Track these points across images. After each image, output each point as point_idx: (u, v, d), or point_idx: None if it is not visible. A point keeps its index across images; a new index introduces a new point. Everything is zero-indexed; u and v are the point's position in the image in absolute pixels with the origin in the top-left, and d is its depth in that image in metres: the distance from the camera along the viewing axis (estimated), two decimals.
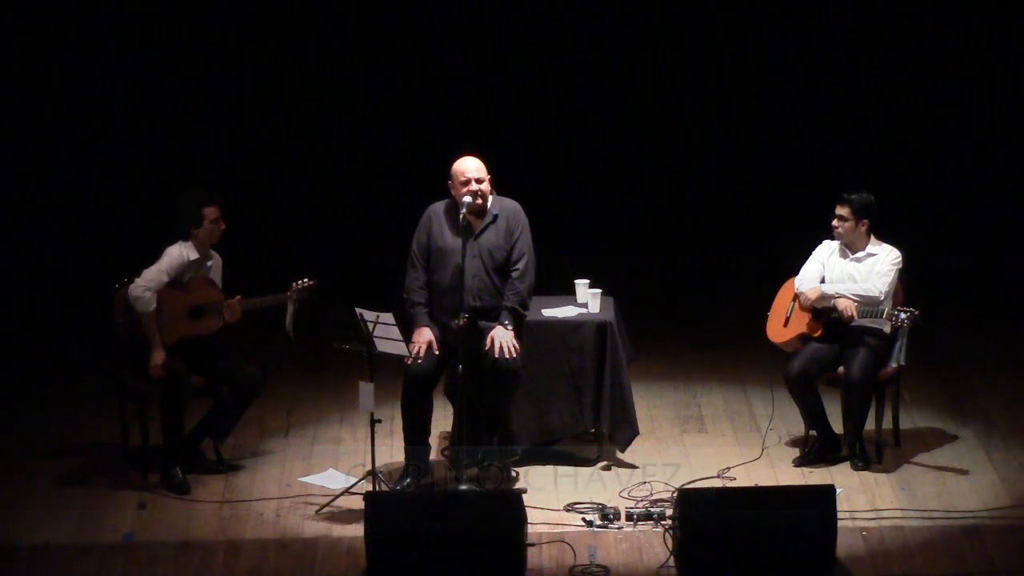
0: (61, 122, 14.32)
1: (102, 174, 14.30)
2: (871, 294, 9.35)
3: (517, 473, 9.38)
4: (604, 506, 8.87)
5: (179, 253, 9.22)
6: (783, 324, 9.60)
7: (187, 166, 14.22)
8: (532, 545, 8.29)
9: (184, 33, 14.26)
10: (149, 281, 9.11)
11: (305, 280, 9.45)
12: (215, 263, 9.43)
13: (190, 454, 9.34)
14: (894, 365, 9.47)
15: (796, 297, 9.57)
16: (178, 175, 13.89)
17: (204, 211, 9.23)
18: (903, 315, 9.19)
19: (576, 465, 9.54)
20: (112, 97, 14.30)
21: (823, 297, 9.43)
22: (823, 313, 9.46)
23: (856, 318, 9.36)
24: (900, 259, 9.45)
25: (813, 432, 9.56)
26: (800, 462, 9.50)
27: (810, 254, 9.62)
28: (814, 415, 9.48)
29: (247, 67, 14.43)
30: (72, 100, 14.28)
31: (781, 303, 9.68)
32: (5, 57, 14.15)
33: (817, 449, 9.52)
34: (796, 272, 9.61)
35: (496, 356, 8.99)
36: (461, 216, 9.03)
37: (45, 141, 14.33)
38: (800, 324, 9.53)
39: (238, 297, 9.35)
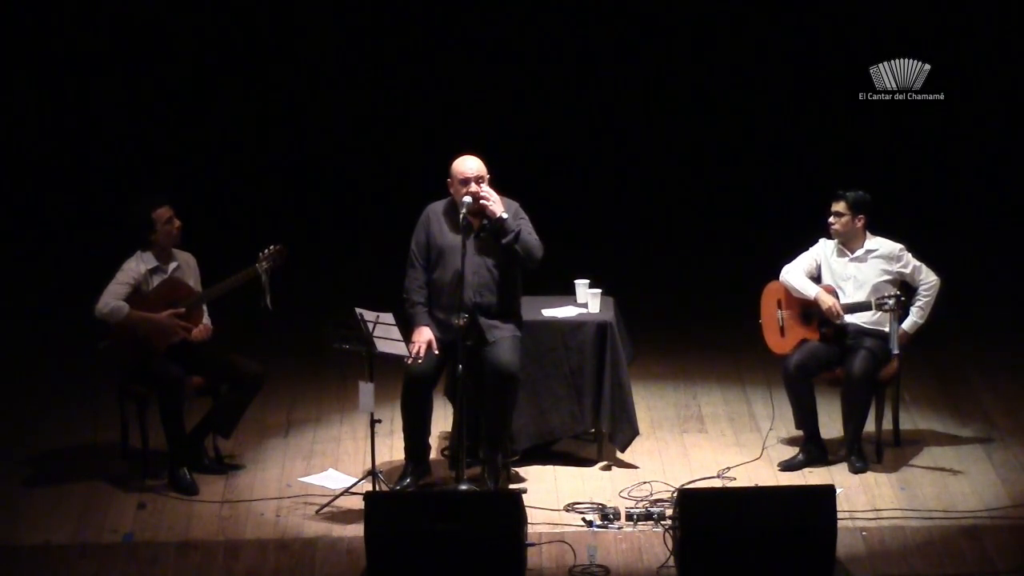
0: (63, 118, 14.36)
1: (101, 171, 14.34)
2: (929, 280, 9.39)
3: (517, 473, 9.38)
4: (604, 506, 8.86)
5: (135, 266, 9.15)
6: (780, 334, 9.55)
7: (184, 167, 14.23)
8: (532, 545, 8.29)
9: (186, 28, 14.31)
10: (109, 296, 9.06)
11: (271, 247, 9.32)
12: (184, 263, 9.31)
13: (193, 453, 9.34)
14: (895, 352, 9.35)
15: (780, 303, 9.52)
16: (176, 176, 13.91)
17: (154, 215, 9.13)
18: (891, 300, 9.17)
19: (576, 465, 9.54)
20: (125, 90, 14.34)
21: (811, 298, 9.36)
22: (814, 315, 9.42)
23: (842, 315, 9.31)
24: (905, 249, 9.42)
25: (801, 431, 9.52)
26: (785, 466, 9.44)
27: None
28: (806, 413, 9.43)
29: (247, 68, 14.44)
30: (84, 98, 14.34)
31: (769, 312, 9.61)
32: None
33: (803, 459, 9.45)
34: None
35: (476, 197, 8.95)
36: (461, 216, 9.02)
37: (50, 139, 14.36)
38: (796, 332, 9.46)
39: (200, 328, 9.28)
